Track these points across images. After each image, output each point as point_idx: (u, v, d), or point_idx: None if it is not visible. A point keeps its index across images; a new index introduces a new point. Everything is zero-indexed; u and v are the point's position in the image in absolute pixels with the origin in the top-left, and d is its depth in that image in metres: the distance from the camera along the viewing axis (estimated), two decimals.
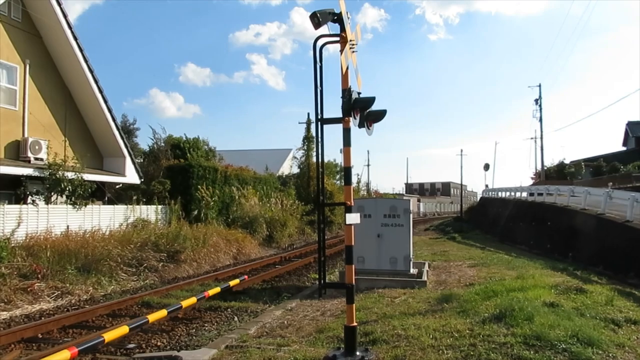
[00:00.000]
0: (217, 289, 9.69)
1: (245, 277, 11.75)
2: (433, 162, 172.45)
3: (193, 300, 8.61)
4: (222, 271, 13.78)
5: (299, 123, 40.13)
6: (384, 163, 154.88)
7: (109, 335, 6.10)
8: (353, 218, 5.14)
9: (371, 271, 10.22)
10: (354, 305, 5.18)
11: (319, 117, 5.17)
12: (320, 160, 5.34)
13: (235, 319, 8.32)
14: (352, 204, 5.26)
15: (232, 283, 10.53)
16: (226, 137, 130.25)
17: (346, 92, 5.03)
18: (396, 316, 6.96)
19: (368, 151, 71.76)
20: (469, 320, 6.54)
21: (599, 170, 41.53)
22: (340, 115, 5.09)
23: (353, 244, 5.21)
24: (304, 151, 35.52)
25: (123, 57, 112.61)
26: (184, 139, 24.88)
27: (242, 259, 17.40)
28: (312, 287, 10.88)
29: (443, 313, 7.07)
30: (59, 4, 15.04)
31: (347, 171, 5.38)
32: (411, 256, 10.50)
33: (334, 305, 8.21)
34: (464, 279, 10.53)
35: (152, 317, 7.20)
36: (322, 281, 5.31)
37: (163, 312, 7.54)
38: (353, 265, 5.26)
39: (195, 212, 19.24)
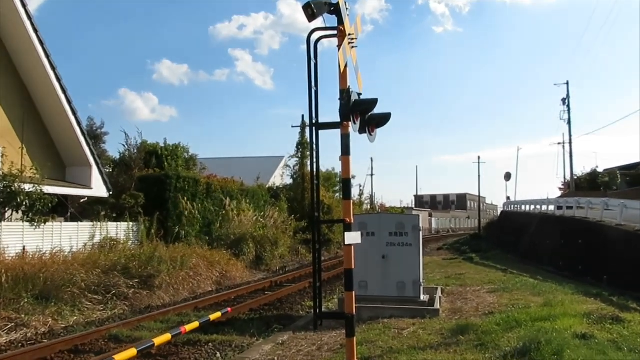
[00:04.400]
0: (196, 324, 9.57)
1: (229, 309, 11.66)
2: (446, 170, 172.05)
3: (167, 337, 8.50)
4: (202, 298, 13.70)
5: (292, 127, 40.21)
6: (390, 172, 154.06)
7: None
8: (353, 237, 5.13)
9: (375, 298, 10.20)
10: (354, 338, 5.15)
11: (314, 121, 5.19)
12: (315, 170, 5.34)
13: (218, 355, 8.27)
14: (352, 221, 5.25)
15: (213, 317, 10.42)
16: (208, 142, 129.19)
17: (345, 93, 5.05)
18: (404, 351, 6.94)
19: (372, 159, 71.41)
20: (488, 355, 6.54)
21: (637, 179, 41.66)
22: (338, 119, 5.09)
23: (354, 267, 5.20)
24: (297, 159, 35.26)
25: (88, 52, 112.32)
26: (161, 145, 24.85)
27: (226, 284, 17.31)
28: (307, 317, 10.82)
29: (458, 347, 7.06)
30: None
31: (345, 183, 5.37)
32: (421, 280, 10.49)
33: (332, 338, 8.17)
34: (483, 306, 10.51)
35: (119, 357, 7.10)
36: (318, 310, 5.28)
37: (132, 352, 7.43)
38: (354, 292, 5.25)
39: (176, 230, 19.17)
